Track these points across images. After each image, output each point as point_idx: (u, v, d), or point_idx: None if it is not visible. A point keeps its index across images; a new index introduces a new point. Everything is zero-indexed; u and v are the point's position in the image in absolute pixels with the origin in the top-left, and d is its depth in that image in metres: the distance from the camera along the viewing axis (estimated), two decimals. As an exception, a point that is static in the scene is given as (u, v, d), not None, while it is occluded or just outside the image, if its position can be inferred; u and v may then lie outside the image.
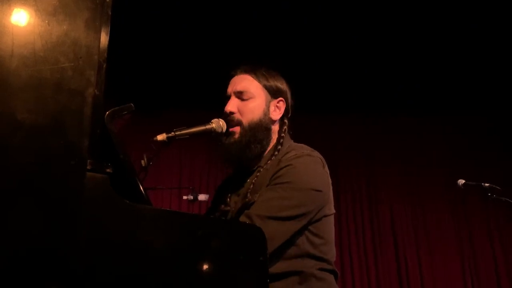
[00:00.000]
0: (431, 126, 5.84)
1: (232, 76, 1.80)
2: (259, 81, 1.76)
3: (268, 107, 1.75)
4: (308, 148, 1.70)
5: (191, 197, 4.09)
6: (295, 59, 4.82)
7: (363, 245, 5.56)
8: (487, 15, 4.53)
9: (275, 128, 1.78)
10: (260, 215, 1.46)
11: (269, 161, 1.68)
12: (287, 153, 1.64)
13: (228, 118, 1.71)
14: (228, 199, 1.73)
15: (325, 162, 1.67)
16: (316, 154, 1.67)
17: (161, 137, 1.55)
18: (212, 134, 1.69)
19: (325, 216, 1.63)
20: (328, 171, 1.68)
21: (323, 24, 4.71)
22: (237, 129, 1.70)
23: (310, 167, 1.61)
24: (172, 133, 1.58)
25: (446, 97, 5.60)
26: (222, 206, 1.72)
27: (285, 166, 1.58)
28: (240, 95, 1.73)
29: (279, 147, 1.72)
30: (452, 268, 5.40)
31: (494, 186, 2.84)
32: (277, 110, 1.77)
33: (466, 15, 4.54)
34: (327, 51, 5.01)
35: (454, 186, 3.11)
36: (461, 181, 3.05)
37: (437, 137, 5.85)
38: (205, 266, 1.16)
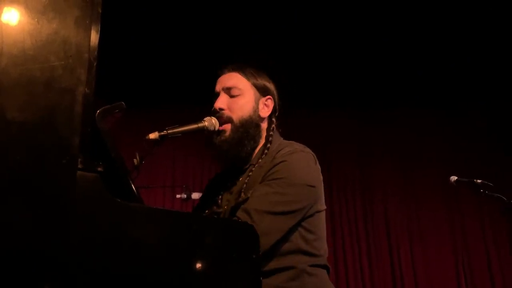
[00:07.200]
0: (425, 121, 5.84)
1: (220, 75, 1.81)
2: (248, 79, 1.77)
3: (257, 104, 1.77)
4: (300, 144, 1.72)
5: (185, 196, 4.08)
6: (286, 53, 4.81)
7: (356, 240, 5.56)
8: (485, 11, 4.55)
9: (264, 125, 1.80)
10: (257, 210, 1.47)
11: (260, 159, 1.69)
12: (281, 150, 1.66)
13: (218, 115, 1.72)
14: (220, 200, 1.73)
15: (316, 159, 1.69)
16: (308, 150, 1.69)
17: (153, 135, 1.55)
18: (205, 132, 1.69)
19: (318, 211, 1.65)
20: (319, 168, 1.70)
21: (316, 19, 4.71)
22: (227, 126, 1.71)
23: (304, 163, 1.63)
24: (165, 131, 1.58)
25: (440, 92, 5.62)
26: (215, 207, 1.72)
27: (279, 162, 1.59)
28: (229, 91, 1.74)
29: (269, 145, 1.73)
30: (446, 263, 5.43)
31: (486, 182, 2.84)
32: (265, 108, 1.79)
33: (463, 10, 4.55)
34: (319, 45, 5.01)
35: (448, 182, 3.10)
36: (453, 178, 3.04)
37: (431, 132, 5.85)
38: (198, 264, 1.16)
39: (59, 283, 1.00)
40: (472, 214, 5.56)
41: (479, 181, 2.85)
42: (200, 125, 1.67)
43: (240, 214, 1.49)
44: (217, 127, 1.70)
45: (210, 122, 1.69)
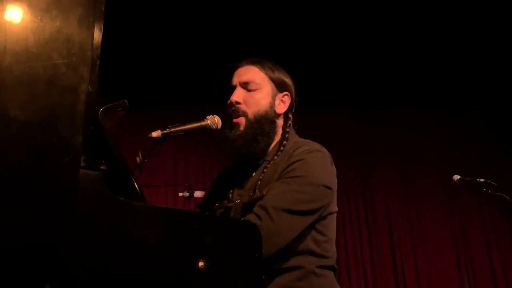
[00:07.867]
0: (425, 121, 5.84)
1: (237, 67, 1.77)
2: (265, 73, 1.73)
3: (274, 99, 1.73)
4: (317, 144, 1.68)
5: (187, 194, 4.08)
6: (286, 53, 4.79)
7: (358, 240, 5.57)
8: (485, 11, 4.55)
9: (280, 122, 1.76)
10: (275, 207, 1.45)
11: (275, 156, 1.66)
12: (298, 148, 1.63)
13: (233, 108, 1.69)
14: (231, 194, 1.70)
15: (332, 160, 1.67)
16: (325, 150, 1.66)
17: (156, 134, 1.54)
18: (207, 131, 1.67)
19: (330, 213, 1.63)
20: (335, 169, 1.67)
21: (316, 19, 4.71)
22: (241, 120, 1.68)
23: (322, 163, 1.61)
24: (167, 129, 1.56)
25: (440, 92, 5.63)
26: (225, 201, 1.69)
27: (297, 160, 1.57)
28: (246, 85, 1.71)
29: (285, 142, 1.70)
30: (447, 263, 5.43)
31: (489, 181, 2.83)
32: (282, 104, 1.75)
33: (463, 10, 4.55)
34: (319, 45, 5.01)
35: (450, 181, 3.10)
36: (456, 177, 3.03)
37: (431, 132, 5.85)
38: (200, 263, 1.15)
39: (59, 283, 1.00)
40: (473, 214, 5.57)
41: (482, 180, 2.84)
42: (202, 123, 1.66)
43: (257, 210, 1.46)
44: (219, 125, 1.68)
45: (213, 120, 1.67)
